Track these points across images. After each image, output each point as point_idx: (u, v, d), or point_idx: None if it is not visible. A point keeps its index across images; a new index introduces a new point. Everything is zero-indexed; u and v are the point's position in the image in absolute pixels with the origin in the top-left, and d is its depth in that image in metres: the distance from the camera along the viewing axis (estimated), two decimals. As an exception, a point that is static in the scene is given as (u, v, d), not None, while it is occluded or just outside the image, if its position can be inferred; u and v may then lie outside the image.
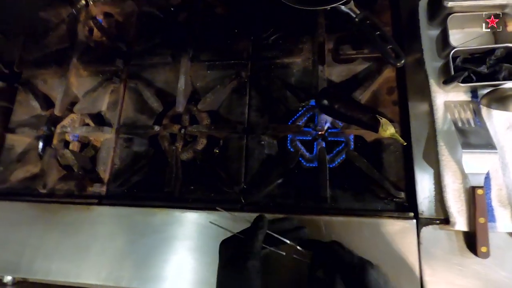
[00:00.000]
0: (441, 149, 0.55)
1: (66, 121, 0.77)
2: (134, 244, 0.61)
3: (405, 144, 0.57)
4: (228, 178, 0.63)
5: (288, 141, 0.65)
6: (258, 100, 0.68)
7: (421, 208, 0.54)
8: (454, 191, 0.53)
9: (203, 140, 0.68)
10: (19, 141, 0.78)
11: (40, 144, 0.76)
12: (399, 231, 0.53)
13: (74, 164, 0.71)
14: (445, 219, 0.53)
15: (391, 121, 0.59)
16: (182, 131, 0.69)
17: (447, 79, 0.54)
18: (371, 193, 0.58)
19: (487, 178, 0.52)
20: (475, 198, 0.50)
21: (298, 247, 0.45)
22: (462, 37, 0.59)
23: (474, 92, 0.57)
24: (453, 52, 0.55)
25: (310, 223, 0.55)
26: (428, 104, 0.58)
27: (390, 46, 0.58)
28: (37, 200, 0.69)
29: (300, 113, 0.65)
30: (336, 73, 0.66)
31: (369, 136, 0.61)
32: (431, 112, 0.57)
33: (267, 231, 0.44)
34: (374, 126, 0.56)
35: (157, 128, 0.70)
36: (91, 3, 0.84)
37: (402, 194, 0.56)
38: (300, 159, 0.63)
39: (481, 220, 0.49)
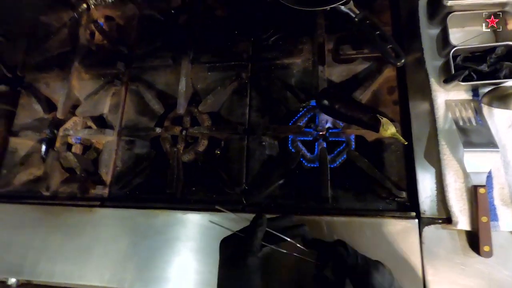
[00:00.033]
0: (442, 148, 0.55)
1: (68, 124, 0.77)
2: (137, 246, 0.62)
3: (406, 143, 0.57)
4: (230, 179, 0.64)
5: (289, 142, 0.65)
6: (259, 101, 0.69)
7: (423, 208, 0.54)
8: (456, 190, 0.52)
9: (204, 141, 0.69)
10: (22, 144, 0.79)
11: (43, 147, 0.77)
12: (401, 231, 0.53)
13: (77, 166, 0.71)
14: (447, 219, 0.52)
15: (392, 120, 0.59)
16: (184, 132, 0.69)
17: (447, 78, 0.54)
18: (372, 193, 0.58)
19: (489, 177, 0.52)
20: (477, 197, 0.50)
21: (298, 245, 0.45)
22: (462, 36, 0.58)
23: (475, 91, 0.57)
24: (454, 51, 0.54)
25: (311, 224, 0.55)
26: (429, 103, 0.58)
27: (390, 46, 0.58)
28: (40, 203, 0.70)
29: (300, 113, 0.66)
30: (336, 73, 0.66)
31: (370, 136, 0.61)
32: (432, 111, 0.57)
33: (267, 229, 0.44)
34: (375, 126, 0.56)
35: (158, 130, 0.70)
36: (93, 6, 0.85)
37: (404, 194, 0.56)
38: (301, 159, 0.63)
39: (484, 219, 0.49)
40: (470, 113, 0.55)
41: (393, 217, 0.55)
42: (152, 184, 0.68)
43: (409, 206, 0.55)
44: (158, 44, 0.78)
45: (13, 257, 0.66)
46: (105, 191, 0.69)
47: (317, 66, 0.65)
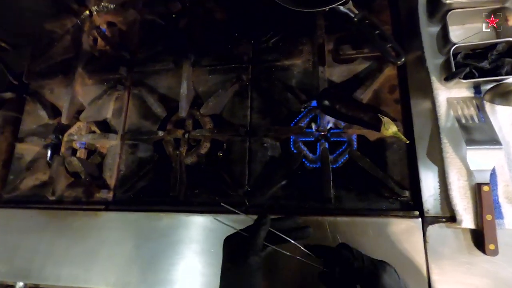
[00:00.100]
0: (445, 146, 0.54)
1: (73, 129, 0.79)
2: (141, 249, 0.62)
3: (407, 142, 0.56)
4: (232, 181, 0.64)
5: (291, 143, 0.65)
6: (260, 102, 0.69)
7: (426, 207, 0.53)
8: (460, 188, 0.52)
9: (206, 144, 0.69)
10: (28, 150, 0.80)
11: (49, 152, 0.78)
12: (404, 230, 0.53)
13: (81, 171, 0.72)
14: (451, 217, 0.52)
15: (393, 119, 0.59)
16: (186, 135, 0.70)
17: (448, 76, 0.54)
18: (375, 193, 0.57)
19: (493, 174, 0.52)
20: (481, 195, 0.50)
21: (302, 248, 0.45)
22: (462, 33, 0.58)
23: (477, 88, 0.56)
24: (454, 48, 0.54)
25: (314, 224, 0.54)
26: (431, 101, 0.58)
27: (390, 45, 0.58)
28: (46, 207, 0.71)
29: (302, 114, 0.66)
30: (336, 73, 0.66)
31: (372, 135, 0.61)
32: (433, 110, 0.57)
33: (270, 229, 0.44)
34: (376, 125, 0.56)
35: (161, 133, 0.71)
36: (95, 13, 0.87)
37: (407, 193, 0.56)
38: (303, 160, 0.63)
39: (488, 217, 0.49)
40: (472, 111, 0.54)
41: (397, 216, 0.54)
42: (156, 187, 0.68)
43: (412, 205, 0.55)
44: (160, 48, 0.79)
45: (20, 261, 0.67)
46: (109, 195, 0.69)
47: (318, 66, 0.66)
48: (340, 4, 0.60)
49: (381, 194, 0.57)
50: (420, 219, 0.53)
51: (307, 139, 0.64)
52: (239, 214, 0.49)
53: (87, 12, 0.87)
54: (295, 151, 0.64)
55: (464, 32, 0.58)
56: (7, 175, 0.79)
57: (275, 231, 0.45)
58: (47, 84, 0.85)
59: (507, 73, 0.52)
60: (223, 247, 0.46)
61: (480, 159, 0.51)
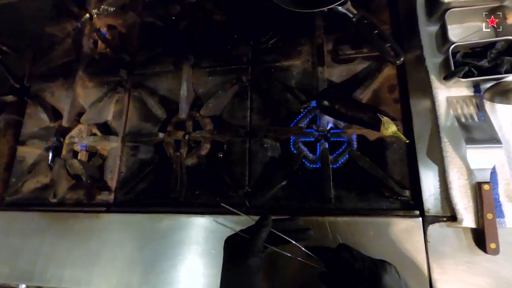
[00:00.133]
0: (445, 145, 0.54)
1: (74, 132, 0.79)
2: (142, 250, 0.62)
3: (407, 141, 0.56)
4: (233, 182, 0.64)
5: (291, 143, 0.65)
6: (260, 103, 0.69)
7: (427, 206, 0.53)
8: (460, 187, 0.52)
9: (207, 145, 0.69)
10: (29, 153, 0.81)
11: (50, 155, 0.78)
12: (405, 230, 0.53)
13: (83, 173, 0.73)
14: (452, 216, 0.52)
15: (393, 119, 0.59)
16: (186, 137, 0.70)
17: (447, 75, 0.54)
18: (375, 192, 0.57)
19: (494, 173, 0.51)
20: (482, 194, 0.49)
21: (303, 249, 0.45)
22: (461, 32, 0.58)
23: (476, 87, 0.56)
24: (453, 47, 0.54)
25: (315, 224, 0.55)
26: (430, 100, 0.58)
27: (389, 44, 0.58)
28: (48, 210, 0.71)
29: (302, 114, 0.66)
30: (336, 73, 0.67)
31: (372, 135, 0.61)
32: (433, 109, 0.57)
33: (272, 230, 0.44)
34: (376, 125, 0.56)
35: (161, 135, 0.71)
36: (95, 16, 0.87)
37: (407, 192, 0.56)
38: (304, 160, 0.63)
39: (489, 216, 0.49)
40: (472, 109, 0.54)
41: (397, 216, 0.54)
42: (156, 189, 0.69)
43: (412, 204, 0.55)
44: (159, 50, 0.79)
45: (23, 264, 0.67)
46: (110, 197, 0.70)
47: (317, 67, 0.66)
48: (339, 5, 0.61)
49: (381, 193, 0.57)
50: (420, 219, 0.53)
51: (307, 139, 0.64)
52: (239, 214, 0.49)
53: (87, 15, 0.87)
54: (295, 152, 0.64)
55: (463, 31, 0.58)
56: (9, 178, 0.80)
57: (277, 232, 0.45)
58: (48, 87, 0.85)
59: (507, 72, 0.52)
60: (223, 247, 0.46)
61: (480, 157, 0.51)
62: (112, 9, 0.86)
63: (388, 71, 0.63)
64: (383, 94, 0.63)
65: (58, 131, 0.80)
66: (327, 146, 0.62)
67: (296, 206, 0.60)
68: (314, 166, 0.62)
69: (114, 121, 0.77)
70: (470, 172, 0.52)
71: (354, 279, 0.41)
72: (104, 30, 0.87)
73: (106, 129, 0.78)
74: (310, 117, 0.65)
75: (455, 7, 0.56)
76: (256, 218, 0.47)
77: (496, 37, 0.56)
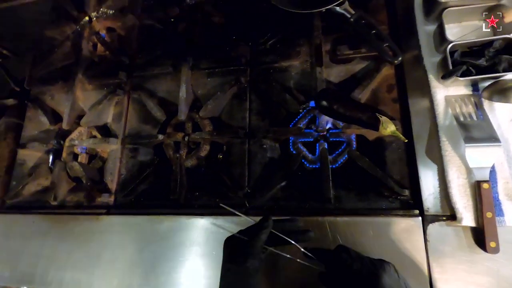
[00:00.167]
0: (443, 144, 0.54)
1: (74, 134, 0.79)
2: (143, 252, 0.62)
3: (406, 141, 0.56)
4: (232, 183, 0.64)
5: (290, 144, 0.65)
6: (259, 104, 0.69)
7: (426, 205, 0.53)
8: (460, 186, 0.52)
9: (206, 146, 0.69)
10: (30, 155, 0.81)
11: (50, 158, 0.79)
12: (405, 229, 0.53)
13: (83, 176, 0.73)
14: (451, 215, 0.52)
15: (392, 118, 0.59)
16: (186, 138, 0.70)
17: (445, 74, 0.54)
18: (375, 192, 0.57)
19: (493, 171, 0.51)
20: (481, 193, 0.49)
21: (302, 250, 0.45)
22: (459, 31, 0.58)
23: (475, 86, 0.56)
24: (451, 46, 0.54)
25: (314, 225, 0.55)
26: (429, 100, 0.58)
27: (387, 44, 0.59)
28: (49, 212, 0.72)
29: (301, 115, 0.66)
30: (334, 73, 0.67)
31: (371, 135, 0.61)
32: (432, 108, 0.57)
33: (272, 231, 0.45)
34: (374, 125, 0.56)
35: (161, 137, 0.71)
36: (94, 19, 0.87)
37: (407, 192, 0.55)
38: (303, 161, 0.63)
39: (489, 214, 0.48)
40: (470, 108, 0.54)
41: (397, 215, 0.54)
42: (156, 191, 0.69)
43: (412, 204, 0.55)
44: (158, 52, 0.79)
45: (23, 266, 0.67)
46: (110, 199, 0.70)
47: (315, 67, 0.66)
48: (337, 5, 0.61)
49: (380, 193, 0.57)
50: (420, 218, 0.53)
51: (306, 139, 0.64)
52: (239, 215, 0.49)
53: (87, 18, 0.88)
54: (294, 152, 0.64)
55: (461, 30, 0.58)
56: (9, 181, 0.80)
57: (277, 233, 0.45)
58: (48, 90, 0.86)
59: (504, 70, 0.52)
60: (223, 247, 0.46)
61: (479, 156, 0.51)
62: (111, 12, 0.86)
63: (387, 71, 0.63)
64: (381, 93, 0.63)
65: (58, 134, 0.80)
66: (326, 146, 0.62)
67: (296, 207, 0.60)
68: (314, 167, 0.62)
69: (113, 123, 0.77)
70: (469, 171, 0.52)
71: (353, 280, 0.41)
72: (103, 33, 0.88)
73: (106, 132, 0.78)
74: (309, 117, 0.66)
75: (452, 6, 0.56)
76: (255, 218, 0.47)
77: (494, 35, 0.56)
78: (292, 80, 0.69)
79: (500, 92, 0.53)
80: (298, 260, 0.46)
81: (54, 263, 0.66)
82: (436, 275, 0.50)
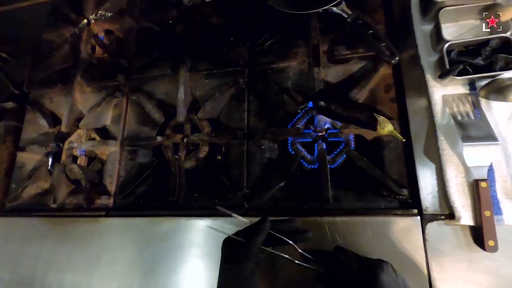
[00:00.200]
0: (441, 143, 0.54)
1: (73, 137, 0.79)
2: (142, 254, 0.62)
3: (404, 140, 0.57)
4: (231, 184, 0.64)
5: (289, 144, 0.65)
6: (257, 105, 0.69)
7: (425, 204, 0.53)
8: (458, 185, 0.52)
9: (205, 147, 0.70)
10: (29, 158, 0.81)
11: (49, 161, 0.79)
12: (403, 229, 0.53)
13: (82, 178, 0.73)
14: (450, 214, 0.52)
15: (389, 118, 0.59)
16: (184, 140, 0.70)
17: (442, 73, 0.54)
18: (373, 192, 0.57)
19: (491, 170, 0.51)
20: (479, 191, 0.49)
21: (300, 251, 0.45)
22: (456, 30, 0.58)
23: (472, 85, 0.57)
24: (448, 46, 0.54)
25: (313, 225, 0.55)
26: (426, 99, 0.58)
27: (384, 44, 0.59)
28: (48, 215, 0.72)
29: (299, 115, 0.66)
30: (332, 74, 0.67)
31: (369, 134, 0.61)
32: (429, 107, 0.57)
33: (270, 231, 0.45)
34: (372, 125, 0.56)
35: (160, 138, 0.71)
36: (92, 21, 0.88)
37: (405, 191, 0.56)
38: (301, 161, 0.63)
39: (487, 213, 0.49)
40: (467, 107, 0.54)
41: (395, 215, 0.54)
42: (155, 192, 0.69)
43: (410, 203, 0.55)
44: (157, 54, 0.79)
45: (23, 269, 0.67)
46: (110, 201, 0.70)
47: (313, 68, 0.66)
48: (333, 5, 0.61)
49: (379, 193, 0.57)
50: (419, 217, 0.53)
51: (304, 140, 0.65)
52: (235, 217, 0.48)
53: (85, 21, 0.88)
54: (293, 153, 0.64)
55: (458, 29, 0.58)
56: (9, 184, 0.80)
57: (275, 233, 0.45)
58: (46, 93, 0.86)
59: (501, 69, 0.52)
60: (221, 248, 0.46)
61: (477, 155, 0.51)
62: (109, 15, 0.87)
63: (384, 71, 0.63)
64: (379, 93, 0.63)
65: (57, 137, 0.80)
66: (324, 146, 0.62)
67: (295, 207, 0.60)
68: (312, 167, 0.62)
69: (112, 125, 0.78)
70: (467, 169, 0.52)
71: (352, 280, 0.41)
72: (101, 35, 0.88)
73: (104, 134, 0.78)
74: (307, 118, 0.66)
75: (448, 6, 0.56)
76: (253, 219, 0.47)
77: (491, 34, 0.56)
78: (290, 81, 0.69)
79: (497, 90, 0.53)
80: (297, 261, 0.46)
81: (53, 266, 0.66)
82: (435, 274, 0.50)
